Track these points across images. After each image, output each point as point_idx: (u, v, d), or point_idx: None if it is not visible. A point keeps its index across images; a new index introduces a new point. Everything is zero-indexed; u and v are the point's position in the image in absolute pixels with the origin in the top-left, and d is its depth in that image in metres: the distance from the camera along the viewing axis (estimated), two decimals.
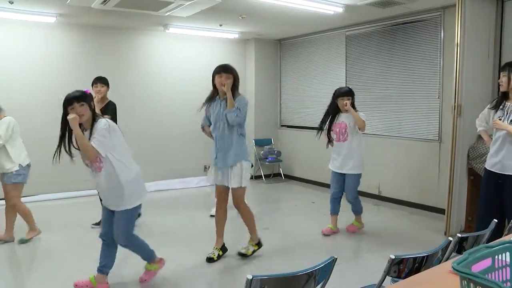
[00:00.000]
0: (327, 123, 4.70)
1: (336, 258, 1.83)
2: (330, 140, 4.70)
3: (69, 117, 2.95)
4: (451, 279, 1.57)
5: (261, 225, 5.11)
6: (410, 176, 5.94)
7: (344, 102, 4.52)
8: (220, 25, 6.68)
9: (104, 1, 4.71)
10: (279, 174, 8.16)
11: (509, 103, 3.59)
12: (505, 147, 3.56)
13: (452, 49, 4.59)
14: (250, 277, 1.54)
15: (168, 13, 5.37)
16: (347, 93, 4.60)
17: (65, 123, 3.05)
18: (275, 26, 6.77)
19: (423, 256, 1.92)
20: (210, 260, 3.94)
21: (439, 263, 2.01)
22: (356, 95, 6.56)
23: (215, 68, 3.83)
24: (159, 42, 7.22)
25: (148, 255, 3.43)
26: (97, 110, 4.60)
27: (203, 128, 4.08)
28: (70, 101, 3.00)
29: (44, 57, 6.27)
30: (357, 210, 4.82)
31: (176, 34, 7.07)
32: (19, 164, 4.22)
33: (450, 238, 2.09)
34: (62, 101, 3.04)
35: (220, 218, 4.06)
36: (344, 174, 4.66)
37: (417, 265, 1.91)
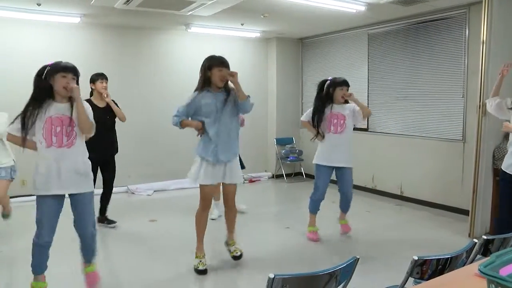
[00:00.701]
0: (316, 118, 4.46)
1: (358, 258, 1.81)
2: (318, 133, 4.46)
3: (75, 85, 2.79)
4: (476, 281, 1.55)
5: (282, 224, 5.14)
6: (433, 177, 5.85)
7: (348, 93, 4.30)
8: (242, 24, 6.69)
9: (127, 1, 4.77)
10: (300, 173, 8.14)
11: None
12: None
13: (477, 47, 4.49)
14: (272, 276, 1.54)
15: (190, 13, 5.41)
16: (346, 82, 4.35)
17: (43, 89, 2.83)
18: (297, 25, 6.75)
19: (447, 258, 1.89)
20: (203, 272, 3.60)
21: (464, 266, 1.97)
22: (378, 94, 6.57)
23: (212, 60, 3.50)
24: (181, 42, 7.28)
25: (95, 251, 3.23)
26: (100, 106, 4.55)
27: (180, 123, 3.60)
28: (68, 69, 2.84)
29: (68, 57, 6.24)
30: (349, 207, 4.61)
31: (198, 33, 7.10)
32: (13, 160, 4.14)
33: (475, 240, 2.05)
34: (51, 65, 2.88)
35: (205, 222, 3.69)
36: (334, 168, 4.42)
37: (440, 266, 1.88)
